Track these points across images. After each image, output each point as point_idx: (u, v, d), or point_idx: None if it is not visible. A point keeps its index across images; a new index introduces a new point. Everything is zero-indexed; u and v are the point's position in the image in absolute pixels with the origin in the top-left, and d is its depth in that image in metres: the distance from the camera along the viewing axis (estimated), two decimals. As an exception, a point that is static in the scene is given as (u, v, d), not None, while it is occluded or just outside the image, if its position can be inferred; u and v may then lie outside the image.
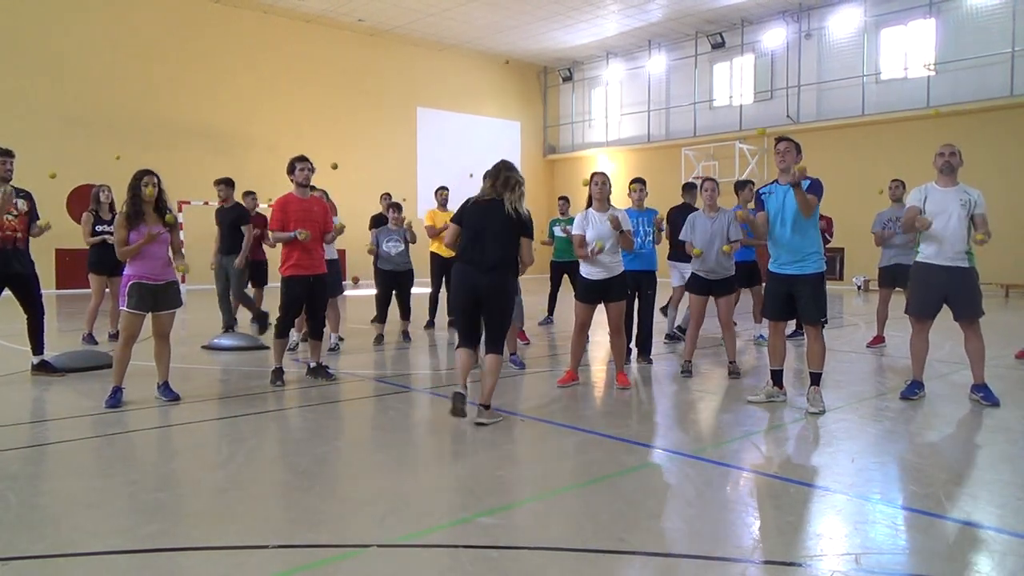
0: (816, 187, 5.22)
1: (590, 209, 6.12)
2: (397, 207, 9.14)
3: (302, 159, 6.27)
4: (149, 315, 5.49)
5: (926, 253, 5.46)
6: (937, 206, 5.36)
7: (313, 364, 6.53)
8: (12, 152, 6.43)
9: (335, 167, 9.57)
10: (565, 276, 9.58)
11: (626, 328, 6.66)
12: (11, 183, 6.41)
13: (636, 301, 7.18)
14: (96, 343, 8.47)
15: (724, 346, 6.87)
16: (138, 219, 5.36)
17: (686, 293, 9.74)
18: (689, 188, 8.84)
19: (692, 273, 6.98)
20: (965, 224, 5.33)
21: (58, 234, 17.02)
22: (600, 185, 6.03)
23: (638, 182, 7.12)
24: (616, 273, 6.07)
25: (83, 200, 16.51)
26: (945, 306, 5.48)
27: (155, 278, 5.41)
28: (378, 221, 10.14)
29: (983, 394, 5.41)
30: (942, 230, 5.33)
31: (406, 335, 8.97)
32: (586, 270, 6.11)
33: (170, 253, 5.59)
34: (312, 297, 6.32)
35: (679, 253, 9.38)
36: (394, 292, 8.88)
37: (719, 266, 6.74)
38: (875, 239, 8.25)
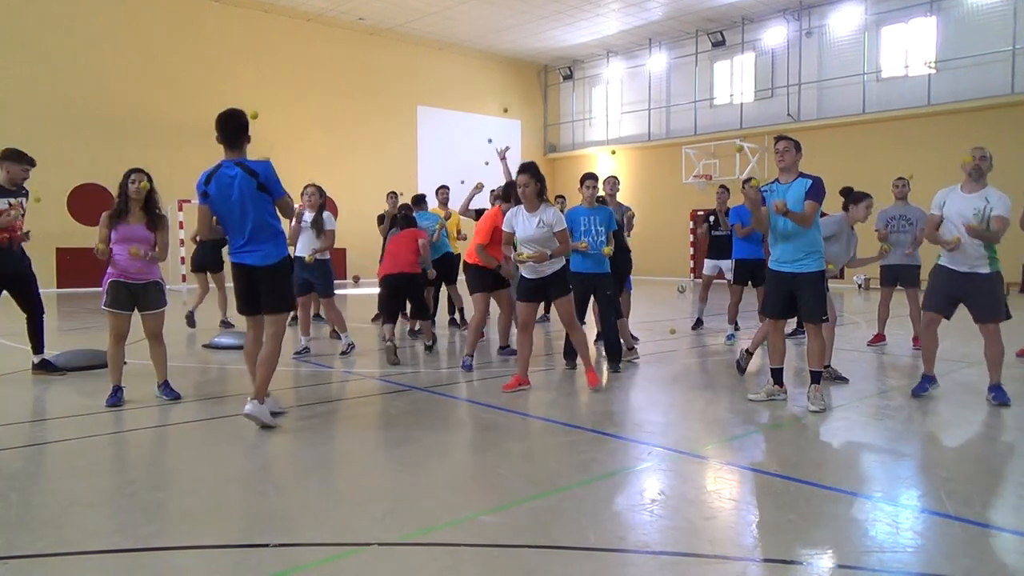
0: (816, 190, 5.17)
1: (521, 207, 5.86)
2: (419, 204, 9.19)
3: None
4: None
5: (945, 258, 5.42)
6: (954, 212, 5.28)
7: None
8: (35, 163, 6.53)
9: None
10: None
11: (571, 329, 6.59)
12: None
13: (597, 304, 6.89)
14: (231, 325, 9.52)
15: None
16: (121, 218, 5.34)
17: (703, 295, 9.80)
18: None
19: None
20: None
21: (58, 233, 17.09)
22: (523, 187, 5.73)
23: (590, 178, 6.83)
24: (551, 271, 5.85)
25: (84, 200, 16.60)
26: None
27: (134, 277, 5.38)
28: (384, 220, 10.23)
29: (995, 393, 5.36)
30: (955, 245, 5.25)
31: (413, 333, 9.07)
32: (523, 268, 5.96)
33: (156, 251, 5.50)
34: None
35: (719, 249, 9.40)
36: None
37: None
38: (878, 236, 8.23)
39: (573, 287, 6.14)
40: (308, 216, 7.52)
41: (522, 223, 5.79)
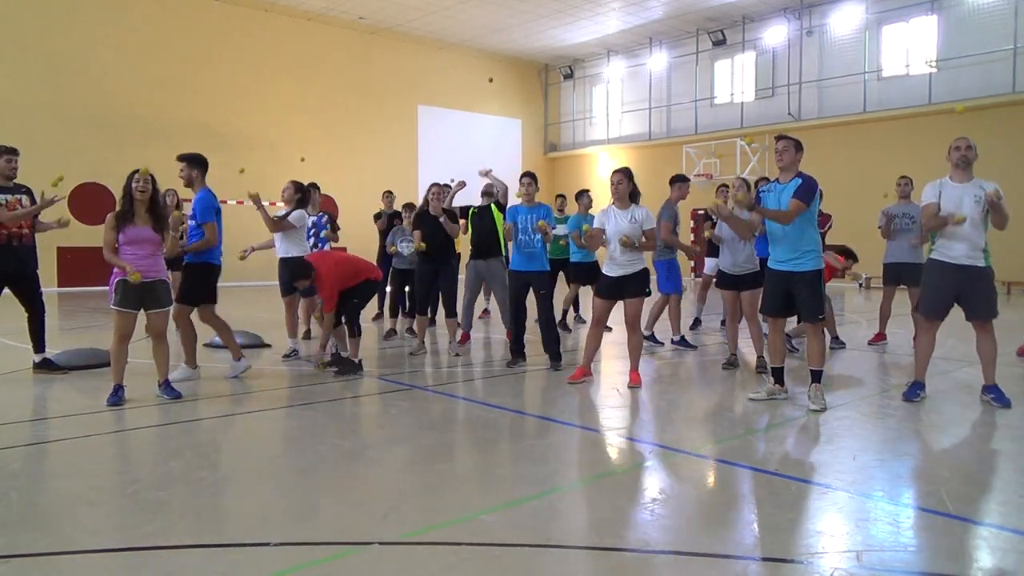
0: (804, 189, 5.15)
1: (611, 206, 6.22)
2: (411, 207, 9.22)
3: None
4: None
5: (941, 251, 5.31)
6: (951, 202, 5.20)
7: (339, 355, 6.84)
8: (16, 150, 6.46)
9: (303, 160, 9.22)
10: (560, 273, 9.57)
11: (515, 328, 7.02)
12: (14, 180, 6.44)
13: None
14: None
15: (751, 341, 6.87)
16: (127, 220, 5.35)
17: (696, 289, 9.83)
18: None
19: (719, 270, 7.06)
20: (981, 221, 5.20)
21: (59, 233, 17.04)
22: (616, 184, 6.13)
23: (527, 176, 7.04)
24: (632, 271, 6.08)
25: (84, 199, 16.60)
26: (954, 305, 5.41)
27: (142, 276, 5.38)
28: (380, 218, 10.40)
29: (994, 395, 5.31)
30: (957, 227, 5.18)
31: (411, 331, 9.06)
32: (605, 267, 6.22)
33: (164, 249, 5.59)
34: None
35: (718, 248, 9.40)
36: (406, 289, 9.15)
37: (746, 261, 6.79)
38: (881, 232, 8.23)
39: (510, 284, 6.89)
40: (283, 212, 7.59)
41: (614, 220, 6.11)
